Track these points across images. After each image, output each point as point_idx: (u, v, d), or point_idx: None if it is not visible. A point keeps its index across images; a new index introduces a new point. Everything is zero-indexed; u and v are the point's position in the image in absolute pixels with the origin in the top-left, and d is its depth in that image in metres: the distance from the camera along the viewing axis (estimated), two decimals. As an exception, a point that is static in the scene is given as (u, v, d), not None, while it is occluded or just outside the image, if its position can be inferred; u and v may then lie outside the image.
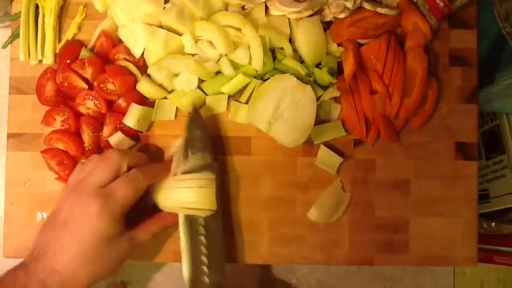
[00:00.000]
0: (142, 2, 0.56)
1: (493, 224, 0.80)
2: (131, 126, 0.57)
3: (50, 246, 0.46)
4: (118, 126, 0.57)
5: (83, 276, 0.46)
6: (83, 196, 0.47)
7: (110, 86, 0.57)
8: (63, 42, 0.60)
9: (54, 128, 0.58)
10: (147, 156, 0.55)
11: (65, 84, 0.57)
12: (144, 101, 0.58)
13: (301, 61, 0.58)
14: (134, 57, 0.58)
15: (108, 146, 0.57)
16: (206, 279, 0.52)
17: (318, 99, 0.57)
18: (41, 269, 0.45)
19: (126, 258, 0.49)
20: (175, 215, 0.53)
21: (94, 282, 0.47)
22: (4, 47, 0.61)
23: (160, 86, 0.58)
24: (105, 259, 0.47)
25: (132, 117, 0.57)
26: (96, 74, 0.57)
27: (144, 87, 0.57)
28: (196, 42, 0.56)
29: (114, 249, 0.47)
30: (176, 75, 0.58)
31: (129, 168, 0.50)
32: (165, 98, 0.59)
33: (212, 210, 0.53)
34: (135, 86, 0.58)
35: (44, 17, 0.59)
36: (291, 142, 0.56)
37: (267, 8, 0.58)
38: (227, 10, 0.58)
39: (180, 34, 0.57)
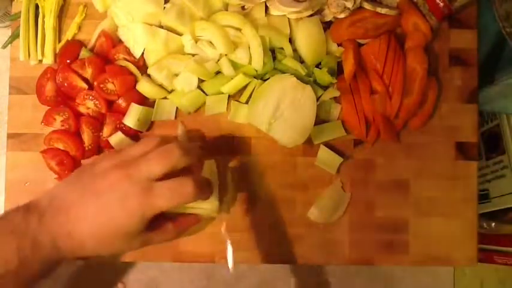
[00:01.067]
0: (142, 2, 0.56)
1: (493, 224, 0.80)
2: (131, 126, 0.57)
3: (73, 207, 0.45)
4: (118, 126, 0.57)
5: (90, 251, 0.46)
6: (129, 182, 0.45)
7: (110, 86, 0.57)
8: (63, 42, 0.60)
9: (54, 128, 0.58)
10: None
11: (65, 84, 0.57)
12: (144, 101, 0.58)
13: (301, 61, 0.58)
14: (134, 57, 0.58)
15: (108, 146, 0.58)
16: None
17: (318, 99, 0.57)
18: (56, 225, 0.44)
19: (133, 250, 0.49)
20: (192, 219, 0.53)
21: (94, 257, 0.47)
22: (4, 47, 0.61)
23: (160, 86, 0.58)
24: (115, 247, 0.47)
25: (132, 117, 0.57)
26: (96, 74, 0.57)
27: (144, 87, 0.57)
28: (196, 42, 0.56)
29: (128, 243, 0.47)
30: (176, 75, 0.58)
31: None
32: (165, 98, 0.59)
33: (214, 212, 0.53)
34: (135, 86, 0.58)
35: (44, 17, 0.59)
36: (291, 142, 0.56)
37: (267, 8, 0.58)
38: (227, 10, 0.58)
39: (180, 34, 0.57)
